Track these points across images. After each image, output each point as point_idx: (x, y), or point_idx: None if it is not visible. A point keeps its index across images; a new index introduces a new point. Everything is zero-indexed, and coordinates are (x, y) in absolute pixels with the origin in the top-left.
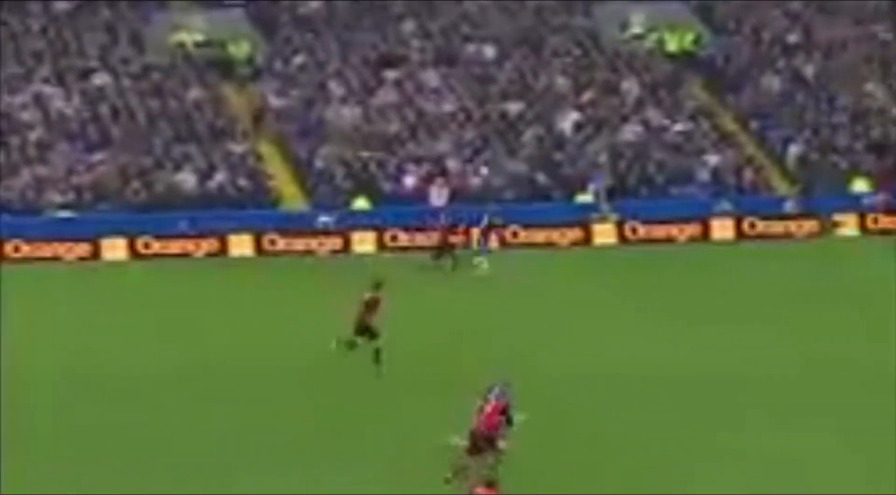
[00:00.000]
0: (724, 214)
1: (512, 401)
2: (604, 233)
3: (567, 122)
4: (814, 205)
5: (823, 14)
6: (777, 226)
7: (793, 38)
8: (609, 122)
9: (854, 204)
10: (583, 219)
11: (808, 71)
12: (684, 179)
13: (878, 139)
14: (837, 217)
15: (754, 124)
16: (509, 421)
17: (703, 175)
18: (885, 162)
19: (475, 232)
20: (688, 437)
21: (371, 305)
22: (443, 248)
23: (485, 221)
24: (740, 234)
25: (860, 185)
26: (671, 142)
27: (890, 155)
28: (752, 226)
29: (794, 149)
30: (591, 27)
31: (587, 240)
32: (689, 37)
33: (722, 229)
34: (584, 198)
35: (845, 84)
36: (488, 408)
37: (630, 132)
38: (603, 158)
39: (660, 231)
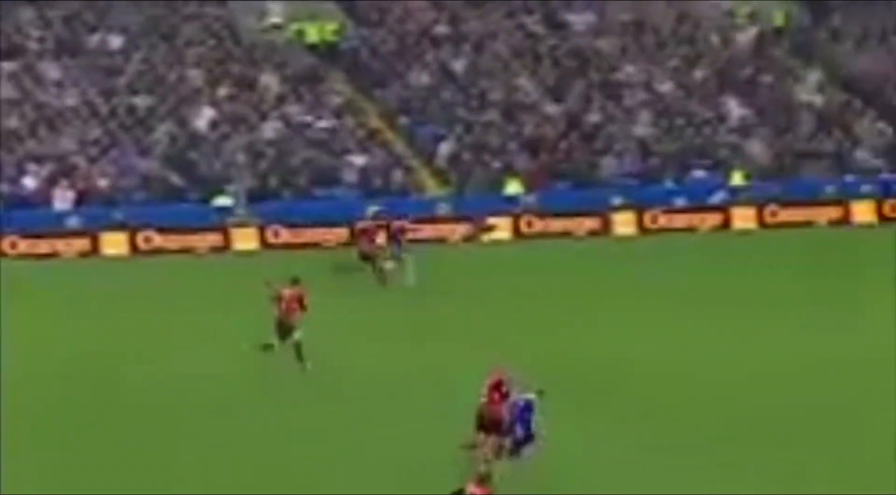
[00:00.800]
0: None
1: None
2: (244, 238)
3: (202, 118)
4: (466, 208)
5: (472, 5)
6: (428, 230)
7: (441, 29)
8: (247, 118)
9: (507, 206)
10: (221, 223)
11: (458, 65)
12: (330, 180)
13: (530, 137)
14: (491, 220)
15: (402, 121)
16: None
17: (350, 176)
18: (538, 160)
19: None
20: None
21: (291, 302)
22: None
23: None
24: (390, 238)
25: (514, 187)
26: (314, 140)
27: (543, 153)
28: (402, 230)
29: (444, 148)
30: (227, 17)
31: (227, 245)
32: (331, 28)
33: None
34: (223, 200)
35: (496, 79)
36: (485, 395)
37: (270, 129)
38: (242, 157)
39: (304, 235)
